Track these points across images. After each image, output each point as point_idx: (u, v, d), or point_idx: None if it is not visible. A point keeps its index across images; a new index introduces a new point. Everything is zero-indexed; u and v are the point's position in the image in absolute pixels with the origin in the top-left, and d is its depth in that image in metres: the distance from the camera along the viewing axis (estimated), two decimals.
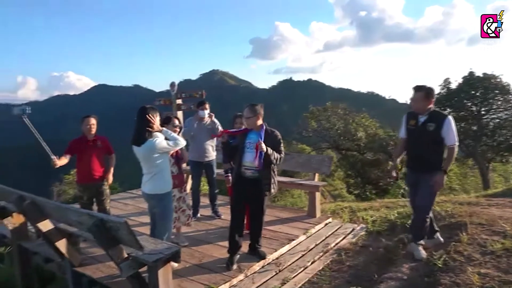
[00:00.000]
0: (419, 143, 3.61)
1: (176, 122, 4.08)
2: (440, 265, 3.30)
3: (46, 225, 3.17)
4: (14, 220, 3.93)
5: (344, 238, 4.57)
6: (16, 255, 4.14)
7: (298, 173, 11.79)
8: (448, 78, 18.71)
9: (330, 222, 5.10)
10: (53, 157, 4.19)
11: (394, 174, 3.97)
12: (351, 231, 4.77)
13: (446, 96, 17.81)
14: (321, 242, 4.42)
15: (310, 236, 4.58)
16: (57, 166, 4.25)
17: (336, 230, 4.82)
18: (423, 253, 3.64)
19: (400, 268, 3.49)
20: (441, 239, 3.86)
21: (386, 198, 9.86)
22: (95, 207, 4.62)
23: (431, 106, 3.55)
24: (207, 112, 5.07)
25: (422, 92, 3.53)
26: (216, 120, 5.18)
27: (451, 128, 3.44)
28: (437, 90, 19.21)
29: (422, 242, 3.71)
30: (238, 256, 3.80)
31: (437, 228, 3.93)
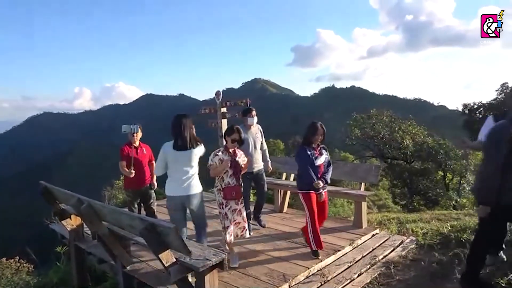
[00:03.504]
0: None
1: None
2: (503, 284, 3.05)
3: (100, 227, 3.34)
4: (72, 222, 4.22)
5: (392, 250, 4.37)
6: (73, 254, 4.41)
7: (340, 181, 11.49)
8: (506, 83, 17.55)
9: (377, 233, 4.91)
10: (132, 170, 4.54)
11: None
12: (400, 244, 4.55)
13: (504, 102, 16.70)
14: (368, 254, 4.26)
15: (356, 247, 4.43)
16: (133, 175, 4.59)
17: (383, 242, 4.63)
18: None
19: (456, 285, 3.27)
20: (504, 258, 3.55)
21: (436, 210, 9.34)
22: (142, 211, 4.81)
23: None
24: (255, 119, 5.01)
25: None
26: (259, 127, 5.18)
27: None
28: (493, 95, 18.03)
29: None
30: None
31: (503, 246, 3.60)
